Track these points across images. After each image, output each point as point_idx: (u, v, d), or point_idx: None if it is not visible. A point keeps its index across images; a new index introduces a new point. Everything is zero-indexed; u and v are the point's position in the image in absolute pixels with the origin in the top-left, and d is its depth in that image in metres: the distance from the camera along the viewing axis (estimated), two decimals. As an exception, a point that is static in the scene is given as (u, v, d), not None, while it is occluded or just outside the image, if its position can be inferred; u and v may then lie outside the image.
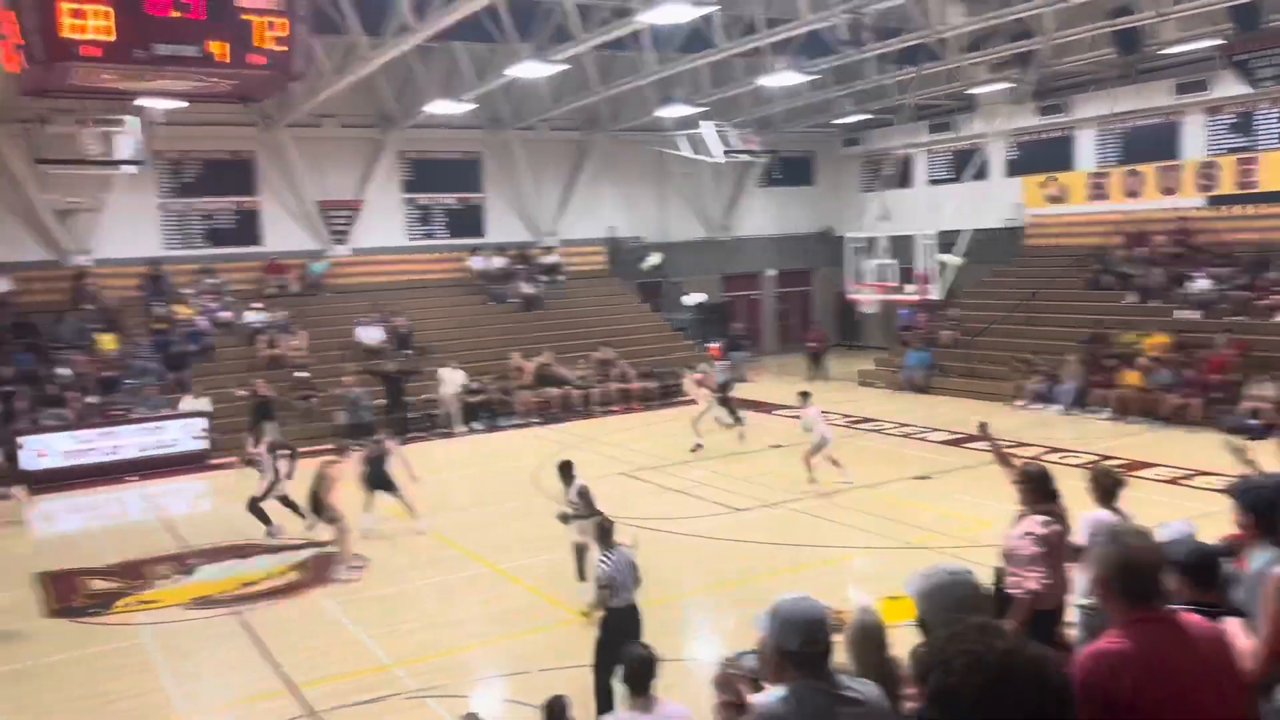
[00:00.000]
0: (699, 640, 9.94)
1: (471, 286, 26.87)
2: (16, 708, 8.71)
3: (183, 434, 19.41)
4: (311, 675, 8.98)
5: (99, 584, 12.06)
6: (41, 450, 18.13)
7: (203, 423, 19.55)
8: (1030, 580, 5.90)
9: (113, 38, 9.70)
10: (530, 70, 18.99)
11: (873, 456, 17.13)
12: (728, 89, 23.23)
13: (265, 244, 25.13)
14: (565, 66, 19.08)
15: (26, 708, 8.70)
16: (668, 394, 23.33)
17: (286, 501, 13.68)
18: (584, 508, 9.87)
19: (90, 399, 19.53)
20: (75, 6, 9.22)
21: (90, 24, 9.35)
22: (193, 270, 23.92)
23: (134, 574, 12.38)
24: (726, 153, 24.65)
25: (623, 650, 5.64)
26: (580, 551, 10.24)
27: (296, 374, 21.34)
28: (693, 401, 19.63)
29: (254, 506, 13.65)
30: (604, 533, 8.05)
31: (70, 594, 11.70)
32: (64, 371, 20.00)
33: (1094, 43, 20.48)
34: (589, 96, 23.50)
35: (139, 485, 17.91)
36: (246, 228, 25.02)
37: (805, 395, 15.62)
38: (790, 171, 31.84)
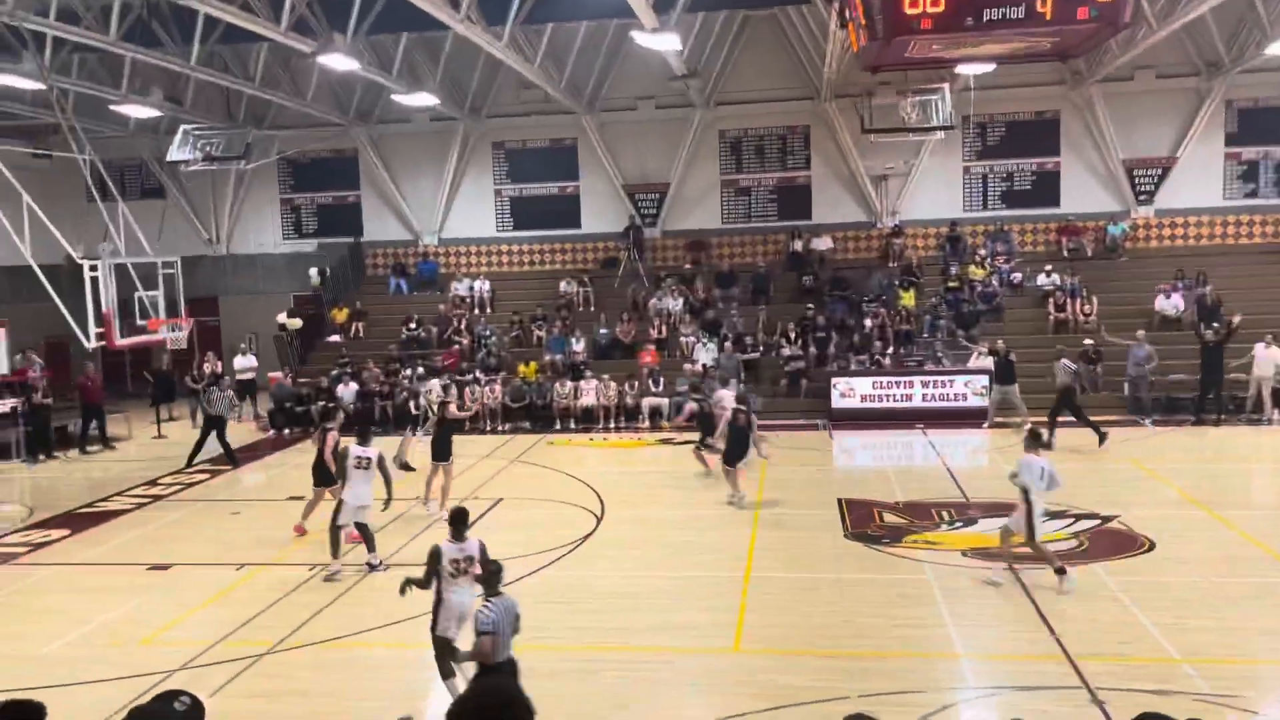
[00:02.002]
0: None
1: (1301, 254, 23.10)
2: (828, 611, 10.00)
3: (967, 389, 20.17)
4: (1088, 648, 8.69)
5: (890, 517, 13.20)
6: (846, 391, 20.42)
7: (984, 380, 20.04)
8: None
9: (943, 8, 10.22)
10: None
11: None
12: None
13: (1062, 205, 24.64)
14: None
15: (834, 613, 9.93)
16: None
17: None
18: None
19: (889, 349, 21.36)
20: (917, -19, 9.88)
21: (928, -3, 9.94)
22: (986, 231, 24.59)
23: (920, 514, 13.29)
24: None
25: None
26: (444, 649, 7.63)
27: (1085, 341, 20.63)
28: None
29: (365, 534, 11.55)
30: (492, 576, 6.92)
31: (866, 521, 13.01)
32: (869, 322, 22.16)
33: None
34: None
35: (923, 433, 19.11)
36: (1044, 189, 24.78)
37: (1035, 438, 10.80)
38: None
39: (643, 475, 14.80)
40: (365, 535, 11.58)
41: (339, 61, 17.56)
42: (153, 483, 17.03)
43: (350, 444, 11.81)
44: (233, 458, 18.34)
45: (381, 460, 11.54)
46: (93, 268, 16.97)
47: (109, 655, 9.30)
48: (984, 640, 9.21)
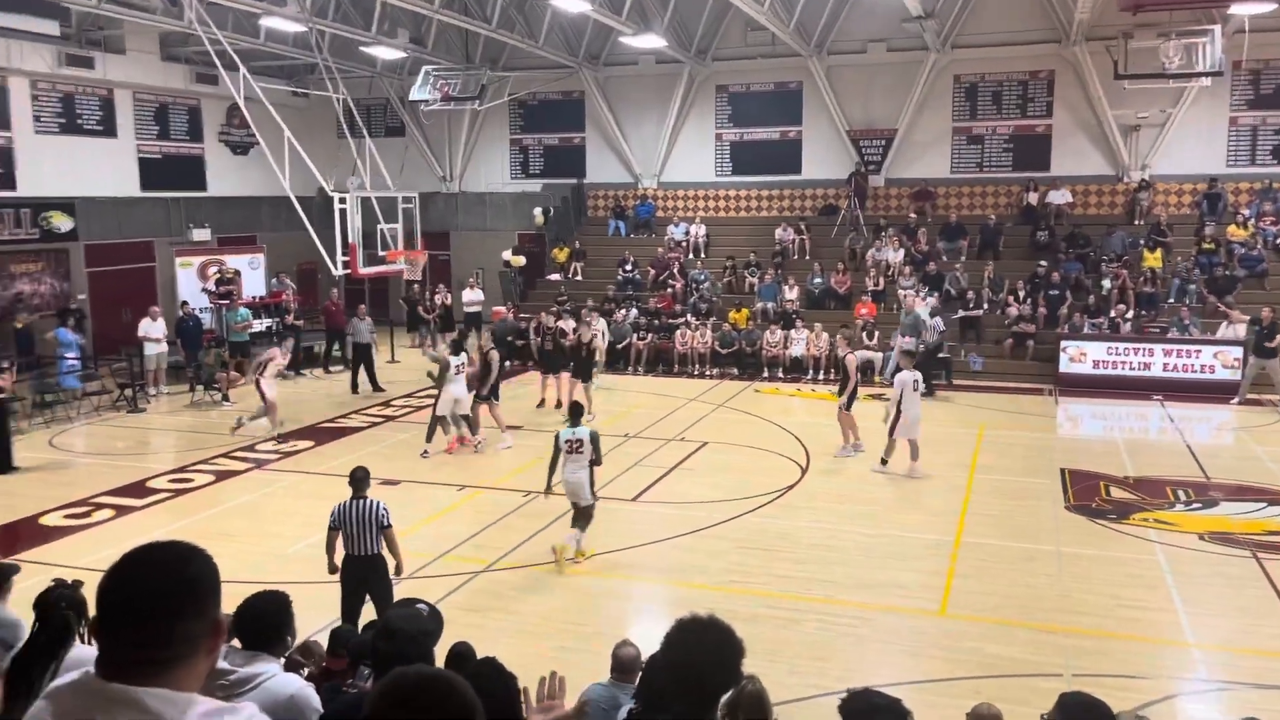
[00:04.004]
0: None
1: None
2: (1044, 584, 9.54)
3: (1215, 361, 18.55)
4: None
5: (1117, 492, 12.39)
6: (1077, 355, 19.22)
7: (1237, 352, 18.37)
8: None
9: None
10: None
11: None
12: None
13: (1352, 161, 21.99)
14: None
15: (1051, 587, 9.47)
16: None
17: None
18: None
19: (1128, 313, 19.89)
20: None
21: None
22: (1253, 189, 22.33)
23: (1152, 491, 12.40)
24: None
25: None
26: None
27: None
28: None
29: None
30: (355, 480, 8.01)
31: (1091, 495, 12.27)
32: (1107, 283, 20.70)
33: None
34: None
35: (1162, 405, 17.76)
36: (1325, 143, 22.19)
37: (910, 355, 14.45)
38: None
39: (867, 432, 14.48)
40: (469, 422, 14.70)
41: (571, 3, 17.87)
42: (386, 404, 18.26)
43: (448, 354, 14.69)
44: (376, 385, 19.32)
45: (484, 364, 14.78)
46: (341, 200, 18.21)
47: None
48: (1220, 631, 8.55)
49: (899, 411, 13.16)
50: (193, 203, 24.97)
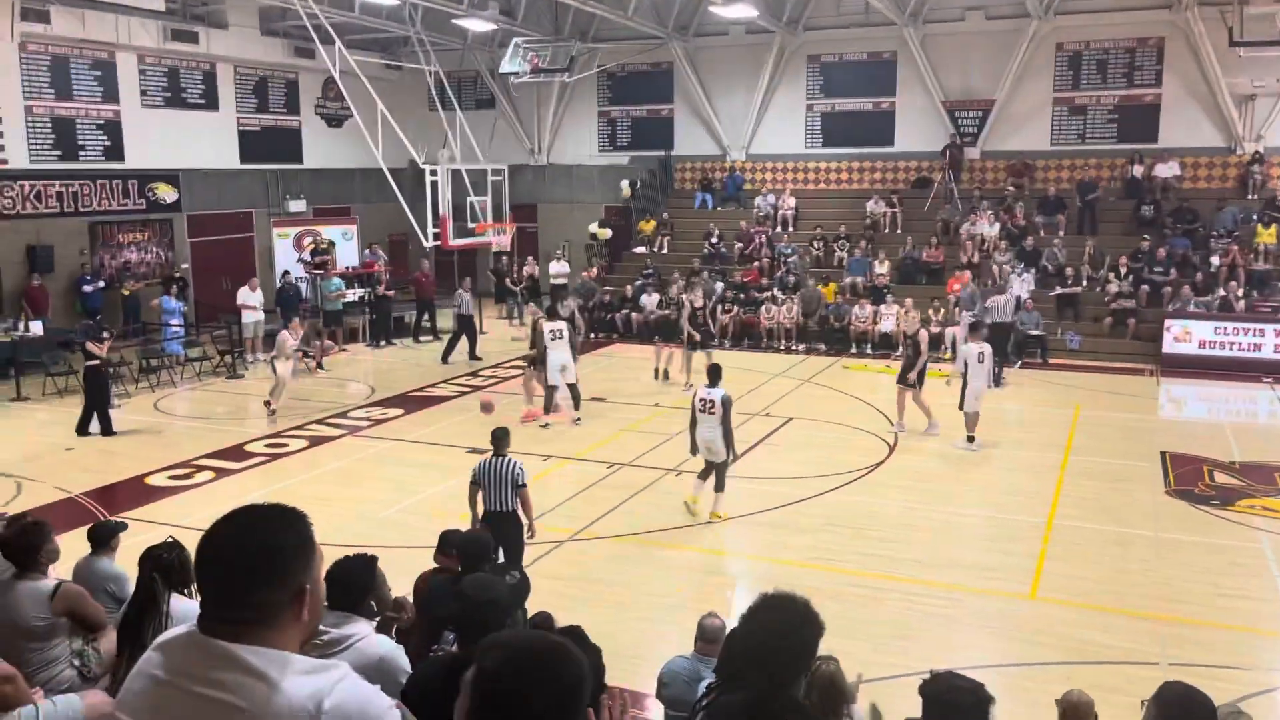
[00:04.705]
0: None
1: None
2: (1141, 570, 9.26)
3: (1331, 343, 17.67)
4: None
5: (1221, 477, 11.92)
6: (1181, 335, 18.49)
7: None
8: None
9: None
10: None
11: None
12: None
13: None
14: None
15: (1148, 573, 9.18)
16: None
17: None
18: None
19: (1239, 291, 19.05)
20: None
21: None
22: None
23: (1260, 477, 11.89)
24: None
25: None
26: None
27: None
28: None
29: None
30: (495, 439, 8.46)
31: (1193, 479, 11.82)
32: (1216, 260, 19.84)
33: None
34: None
35: (1272, 388, 17.01)
36: None
37: (976, 328, 14.52)
38: None
39: (942, 408, 14.21)
40: (574, 393, 14.70)
41: (662, -27, 17.69)
42: (474, 374, 18.54)
43: (542, 320, 14.92)
44: (474, 354, 19.50)
45: (570, 329, 14.86)
46: (432, 172, 18.47)
47: (433, 525, 10.29)
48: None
49: (965, 384, 13.22)
50: (289, 174, 25.58)
